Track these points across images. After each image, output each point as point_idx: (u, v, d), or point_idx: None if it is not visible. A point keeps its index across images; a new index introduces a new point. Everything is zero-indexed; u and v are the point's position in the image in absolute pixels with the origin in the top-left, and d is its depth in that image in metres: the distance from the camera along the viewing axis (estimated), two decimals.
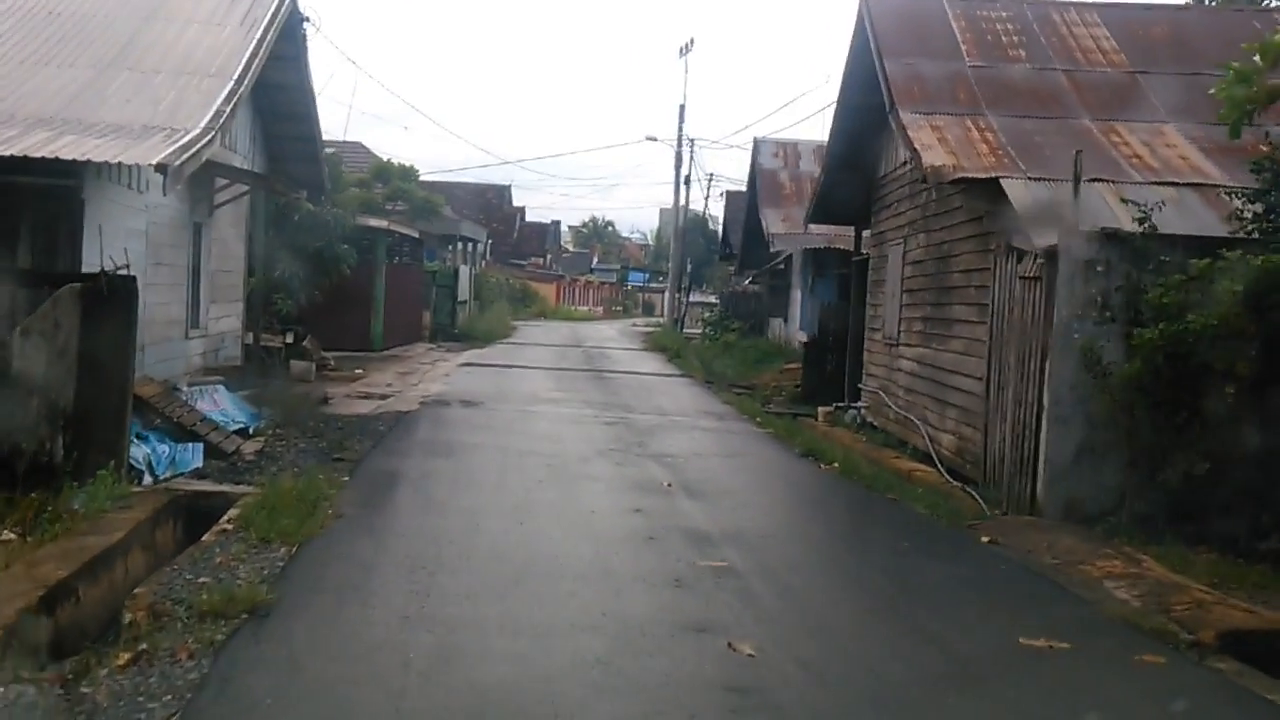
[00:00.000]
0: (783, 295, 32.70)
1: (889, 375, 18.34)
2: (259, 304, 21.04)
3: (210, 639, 6.36)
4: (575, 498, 11.22)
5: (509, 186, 74.67)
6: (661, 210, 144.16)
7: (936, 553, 9.89)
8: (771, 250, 27.50)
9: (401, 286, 34.30)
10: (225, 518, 9.51)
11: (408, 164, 40.20)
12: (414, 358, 31.00)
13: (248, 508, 9.55)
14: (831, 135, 20.27)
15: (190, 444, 12.22)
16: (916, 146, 13.61)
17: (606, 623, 7.15)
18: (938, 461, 14.67)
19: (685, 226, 49.22)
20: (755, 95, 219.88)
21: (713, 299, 66.49)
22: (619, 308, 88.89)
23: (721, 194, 46.49)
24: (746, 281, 32.81)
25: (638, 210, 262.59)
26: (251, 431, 14.37)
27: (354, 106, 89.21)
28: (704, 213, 53.43)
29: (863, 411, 19.73)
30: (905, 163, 18.02)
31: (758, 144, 32.56)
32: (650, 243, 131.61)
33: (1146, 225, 10.95)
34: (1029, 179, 12.62)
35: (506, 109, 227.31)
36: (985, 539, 10.23)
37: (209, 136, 12.91)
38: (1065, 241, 11.12)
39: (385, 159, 40.36)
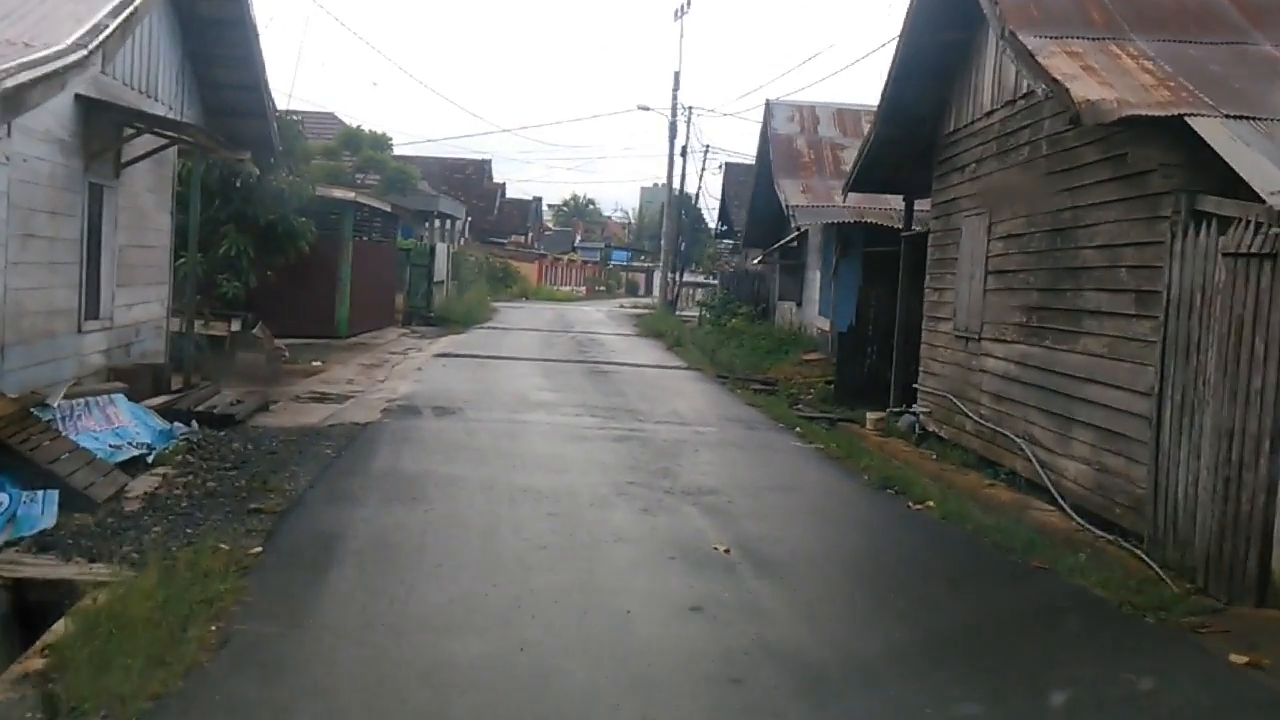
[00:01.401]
0: (796, 276, 29.01)
1: (963, 376, 14.67)
2: (195, 287, 17.21)
3: None
4: (598, 583, 7.42)
5: (489, 161, 70.74)
6: (642, 189, 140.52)
7: (1181, 690, 6.17)
8: (794, 226, 23.80)
9: (371, 266, 30.46)
10: (41, 643, 5.77)
11: (380, 132, 36.25)
12: (383, 345, 27.18)
13: (81, 622, 5.82)
14: (887, 86, 16.51)
15: (43, 491, 8.44)
16: (1057, 77, 9.87)
17: None
18: (1057, 495, 11.03)
19: (679, 201, 45.37)
20: (757, 61, 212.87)
21: (701, 279, 62.85)
22: (602, 288, 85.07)
23: (720, 166, 42.86)
24: (755, 261, 29.11)
25: (620, 186, 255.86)
26: (152, 459, 10.61)
27: (307, 49, 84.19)
28: (699, 189, 49.19)
29: (921, 418, 16.09)
30: (991, 111, 14.35)
31: (770, 107, 28.82)
32: (632, 221, 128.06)
33: None
34: (1225, 117, 8.95)
35: (487, 78, 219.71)
36: (1236, 657, 6.54)
37: (77, 55, 9.12)
38: None
39: (355, 125, 36.33)
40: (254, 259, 21.72)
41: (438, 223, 43.87)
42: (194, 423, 12.27)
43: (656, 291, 60.12)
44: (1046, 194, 12.22)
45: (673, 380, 21.92)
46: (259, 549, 7.56)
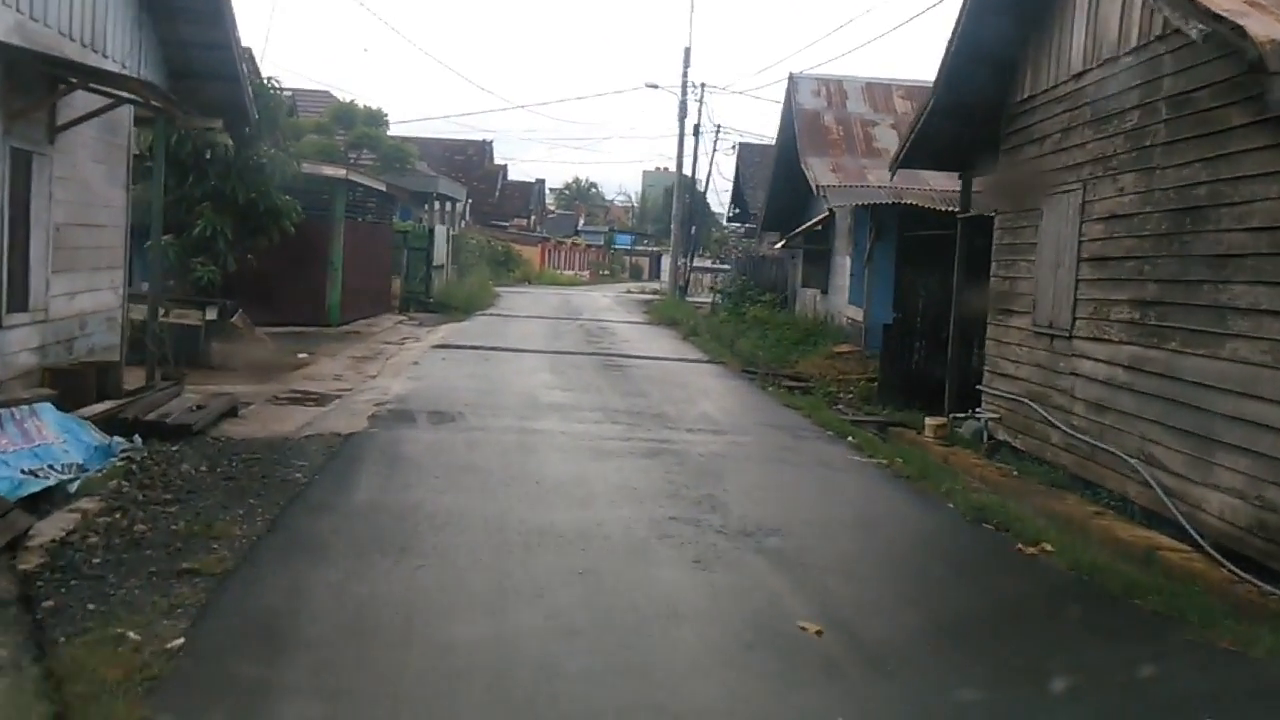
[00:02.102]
0: (822, 262, 26.81)
1: (1046, 379, 12.50)
2: (160, 271, 15.03)
3: None
4: (658, 700, 5.25)
5: (490, 142, 68.50)
6: (644, 172, 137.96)
7: None
8: (826, 207, 21.58)
9: (365, 248, 28.27)
10: None
11: (375, 107, 33.99)
12: (378, 335, 25.01)
13: None
14: (949, 47, 14.31)
15: None
16: (1219, 12, 7.69)
17: None
18: (1194, 533, 8.89)
19: (691, 183, 42.99)
20: (773, 35, 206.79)
21: (708, 264, 60.62)
22: (606, 272, 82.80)
23: (733, 147, 40.55)
24: (778, 245, 26.91)
25: (622, 169, 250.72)
26: (77, 487, 8.46)
27: (291, 11, 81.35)
28: (710, 171, 46.45)
29: (988, 424, 13.94)
30: (1082, 73, 12.16)
31: (795, 80, 26.53)
32: (635, 204, 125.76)
33: None
34: None
35: (487, 53, 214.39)
36: None
37: None
38: None
39: (349, 100, 34.00)
40: (232, 241, 19.55)
41: (437, 205, 41.69)
42: (138, 437, 10.10)
43: (665, 276, 57.85)
44: (1168, 166, 10.04)
45: (696, 376, 19.74)
46: (180, 640, 5.39)
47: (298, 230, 23.35)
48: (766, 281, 32.41)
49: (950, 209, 18.86)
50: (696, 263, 55.19)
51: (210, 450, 10.24)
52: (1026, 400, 12.93)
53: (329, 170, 25.44)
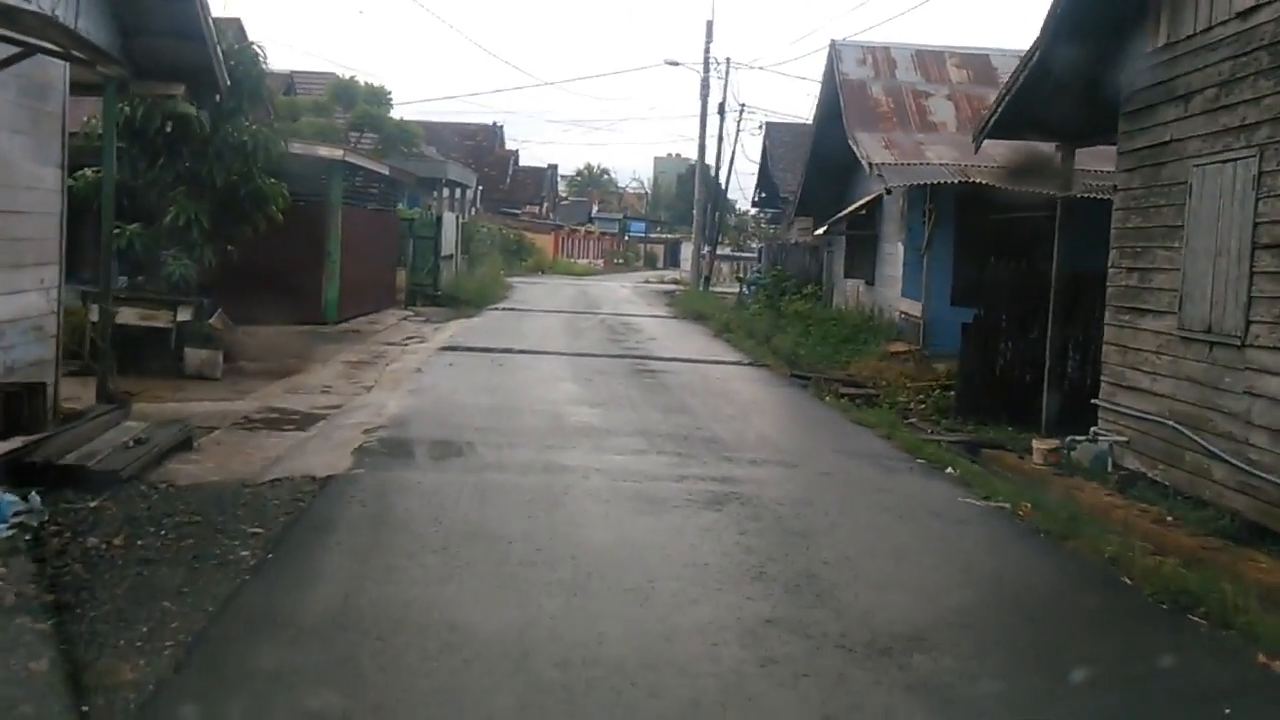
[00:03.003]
0: (867, 250, 24.11)
1: (1206, 398, 9.84)
2: (109, 266, 12.48)
3: None
4: None
5: (501, 127, 65.82)
6: (656, 158, 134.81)
7: None
8: (885, 188, 18.89)
9: (367, 238, 25.69)
10: None
11: (377, 85, 31.31)
12: (379, 334, 22.45)
13: None
14: None
15: None
16: None
17: None
18: None
19: (715, 166, 40.21)
20: (800, 9, 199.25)
21: (727, 252, 57.93)
22: (620, 260, 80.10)
23: (760, 126, 37.78)
24: (819, 230, 24.22)
25: (635, 156, 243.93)
26: None
27: None
28: (733, 153, 43.35)
29: (1114, 449, 11.31)
30: (1252, 8, 9.50)
31: (837, 49, 23.74)
32: (648, 191, 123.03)
33: None
34: None
35: (499, 30, 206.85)
36: None
37: None
38: None
39: (349, 76, 31.25)
40: (210, 230, 16.93)
41: (446, 192, 39.09)
42: (35, 495, 7.49)
43: (685, 265, 55.17)
44: None
45: (740, 383, 17.12)
46: None
47: (288, 218, 20.77)
48: (798, 271, 29.74)
49: (1028, 189, 16.23)
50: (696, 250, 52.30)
51: (138, 508, 7.65)
52: (1171, 422, 10.29)
53: (324, 151, 22.82)
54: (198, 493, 8.17)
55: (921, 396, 15.67)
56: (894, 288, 22.21)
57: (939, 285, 19.88)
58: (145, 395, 12.50)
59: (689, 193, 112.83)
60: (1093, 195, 14.91)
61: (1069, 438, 11.71)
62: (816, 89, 29.45)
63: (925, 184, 18.83)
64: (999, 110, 13.70)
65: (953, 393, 15.32)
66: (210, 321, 17.00)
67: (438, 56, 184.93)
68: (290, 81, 34.69)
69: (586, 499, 8.66)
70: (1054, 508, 9.04)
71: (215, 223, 17.08)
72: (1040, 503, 9.26)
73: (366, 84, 30.97)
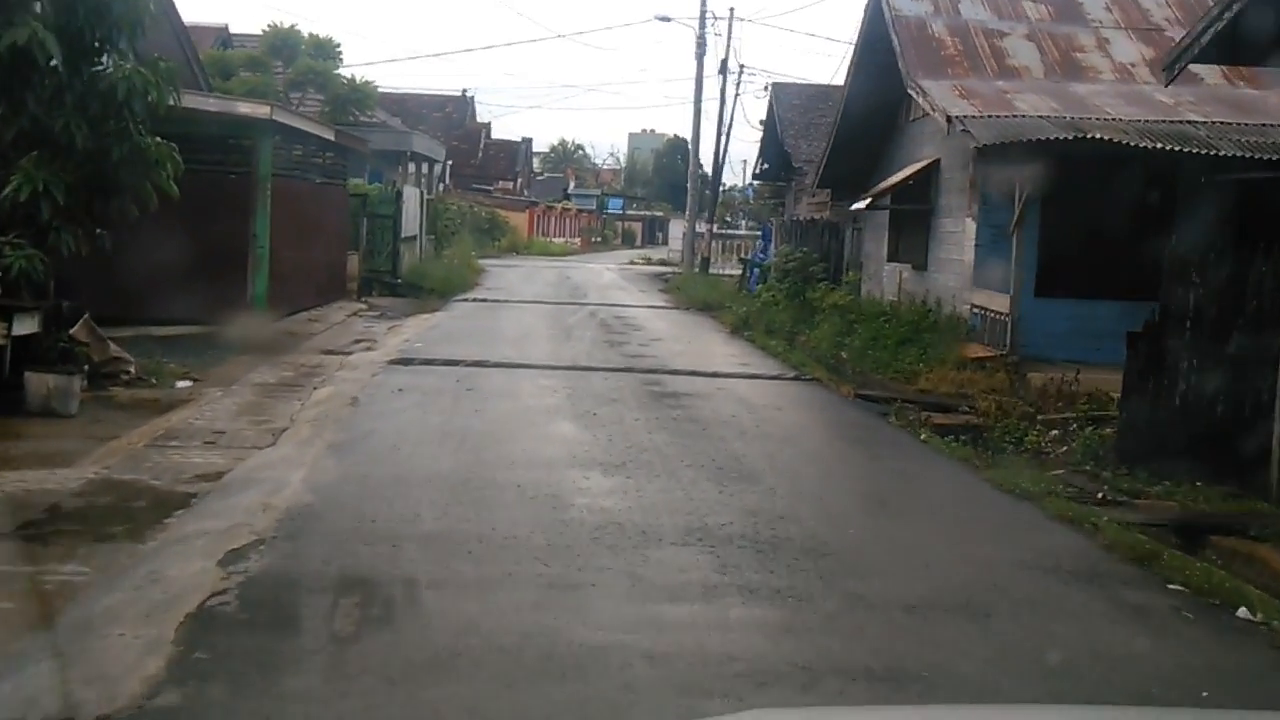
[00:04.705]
0: (917, 228, 19.42)
1: None
2: None
3: None
4: None
5: (472, 97, 60.58)
6: (631, 135, 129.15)
7: None
8: (975, 144, 14.16)
9: (308, 217, 20.80)
10: None
11: (324, 36, 26.22)
12: (318, 335, 17.67)
13: None
14: None
15: None
16: None
17: None
18: None
19: (728, 131, 35.05)
20: None
21: (714, 230, 53.07)
22: (598, 239, 75.17)
23: (766, 87, 32.86)
24: (862, 205, 19.53)
25: (612, 129, 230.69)
26: None
27: None
28: (732, 117, 37.75)
29: None
30: None
31: None
32: (622, 166, 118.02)
33: None
34: None
35: None
36: None
37: None
38: None
39: (288, 25, 26.04)
40: (68, 207, 12.07)
41: (412, 166, 34.14)
42: None
43: (674, 244, 50.27)
44: None
45: (797, 411, 12.47)
46: None
47: (203, 193, 16.21)
48: (817, 253, 24.99)
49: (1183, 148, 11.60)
50: (702, 227, 47.39)
51: None
52: None
53: (246, 108, 17.89)
54: None
55: (1055, 432, 11.02)
56: (960, 274, 17.53)
57: (1029, 270, 15.25)
58: None
59: (666, 168, 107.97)
60: None
61: None
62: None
63: (1022, 143, 14.09)
64: (1202, 36, 8.98)
65: (1106, 426, 10.71)
66: (71, 333, 12.26)
67: (403, 17, 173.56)
68: (226, 36, 29.63)
69: None
70: None
71: (78, 198, 12.22)
72: None
73: (311, 34, 25.88)
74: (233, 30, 29.85)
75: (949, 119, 14.79)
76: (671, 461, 9.07)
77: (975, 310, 16.60)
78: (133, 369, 12.89)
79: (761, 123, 34.22)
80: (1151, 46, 17.17)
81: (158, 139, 13.04)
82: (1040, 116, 14.61)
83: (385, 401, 11.58)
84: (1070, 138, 13.51)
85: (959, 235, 17.60)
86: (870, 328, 17.42)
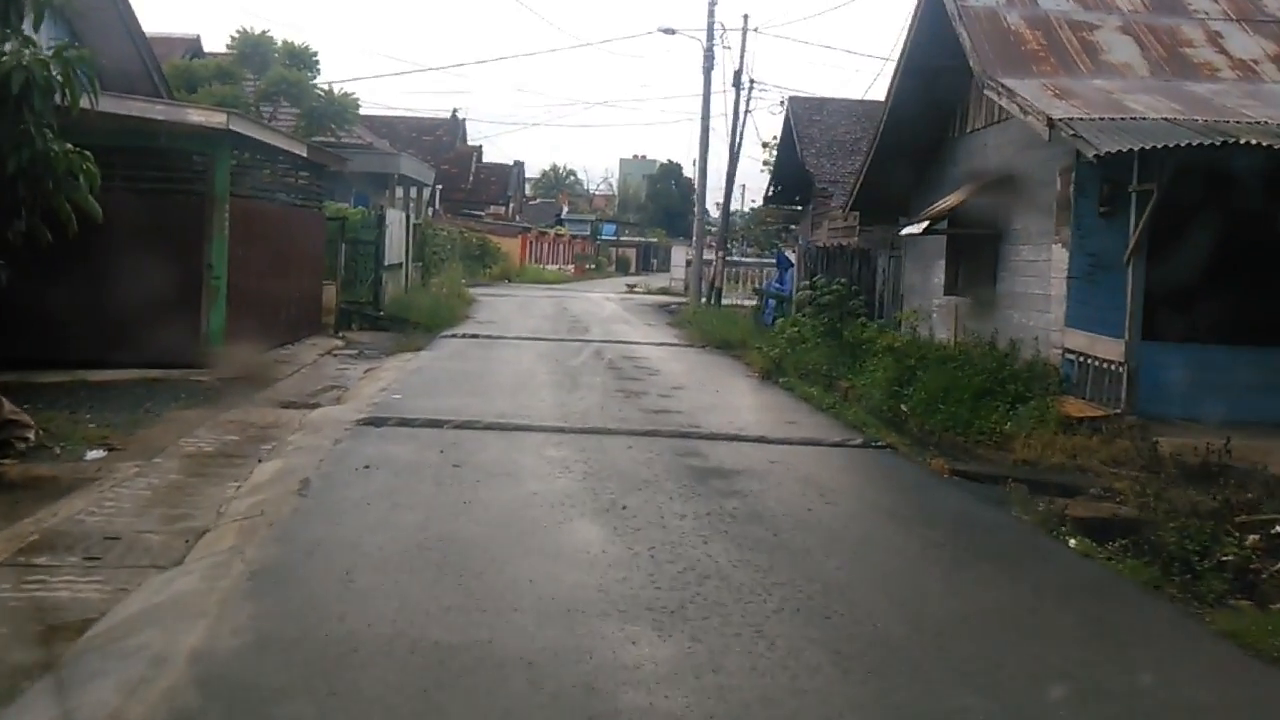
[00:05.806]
0: (982, 255, 16.55)
1: None
2: None
3: None
4: None
5: (463, 120, 57.82)
6: (622, 160, 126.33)
7: None
8: (1094, 154, 11.27)
9: (275, 243, 17.86)
10: None
11: (300, 44, 23.27)
12: (281, 381, 14.69)
13: None
14: None
15: None
16: None
17: None
18: None
19: (738, 149, 32.14)
20: None
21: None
22: (592, 265, 72.28)
23: (781, 102, 29.96)
24: (911, 229, 16.64)
25: (605, 153, 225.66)
26: None
27: None
28: (743, 132, 34.02)
29: None
30: None
31: None
32: (614, 192, 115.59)
33: None
34: None
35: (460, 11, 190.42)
36: None
37: None
38: None
39: (260, 32, 23.04)
40: None
41: (400, 190, 31.27)
42: None
43: (677, 272, 47.26)
44: None
45: (883, 493, 9.52)
46: None
47: (149, 215, 13.68)
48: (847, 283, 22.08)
49: None
50: (688, 255, 43.86)
51: None
52: None
53: (198, 116, 14.94)
54: None
55: (1255, 537, 8.06)
56: (1042, 312, 14.66)
57: (1137, 306, 12.35)
58: None
59: (660, 194, 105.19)
60: None
61: None
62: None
63: (1144, 153, 11.17)
64: None
65: None
66: None
67: (393, 33, 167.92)
68: (197, 48, 26.74)
69: None
70: None
71: None
72: None
73: (285, 42, 22.89)
74: (208, 49, 27.07)
75: (1050, 122, 11.87)
76: (750, 602, 6.09)
77: (1069, 356, 13.67)
78: (32, 435, 9.96)
79: (771, 140, 31.34)
80: (1273, 41, 14.38)
81: (69, 146, 10.18)
82: (1164, 119, 11.72)
83: (345, 487, 8.57)
84: (1218, 143, 10.61)
85: (1042, 265, 14.69)
86: (937, 376, 14.44)
